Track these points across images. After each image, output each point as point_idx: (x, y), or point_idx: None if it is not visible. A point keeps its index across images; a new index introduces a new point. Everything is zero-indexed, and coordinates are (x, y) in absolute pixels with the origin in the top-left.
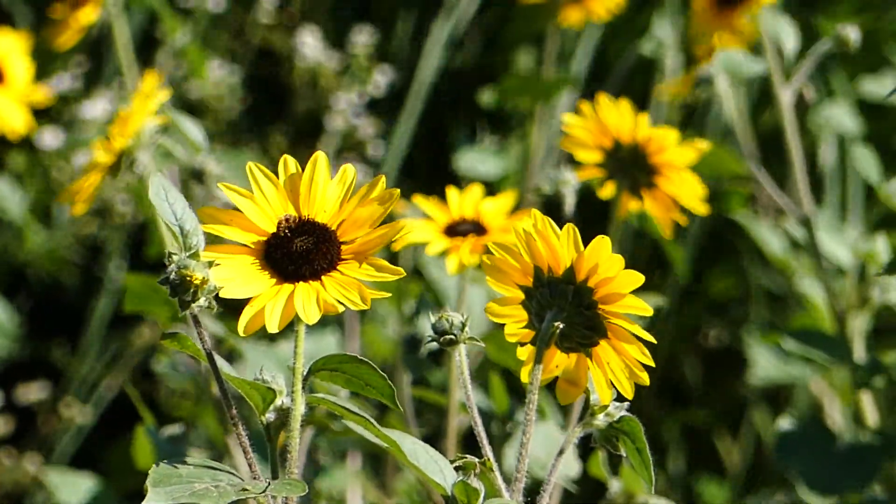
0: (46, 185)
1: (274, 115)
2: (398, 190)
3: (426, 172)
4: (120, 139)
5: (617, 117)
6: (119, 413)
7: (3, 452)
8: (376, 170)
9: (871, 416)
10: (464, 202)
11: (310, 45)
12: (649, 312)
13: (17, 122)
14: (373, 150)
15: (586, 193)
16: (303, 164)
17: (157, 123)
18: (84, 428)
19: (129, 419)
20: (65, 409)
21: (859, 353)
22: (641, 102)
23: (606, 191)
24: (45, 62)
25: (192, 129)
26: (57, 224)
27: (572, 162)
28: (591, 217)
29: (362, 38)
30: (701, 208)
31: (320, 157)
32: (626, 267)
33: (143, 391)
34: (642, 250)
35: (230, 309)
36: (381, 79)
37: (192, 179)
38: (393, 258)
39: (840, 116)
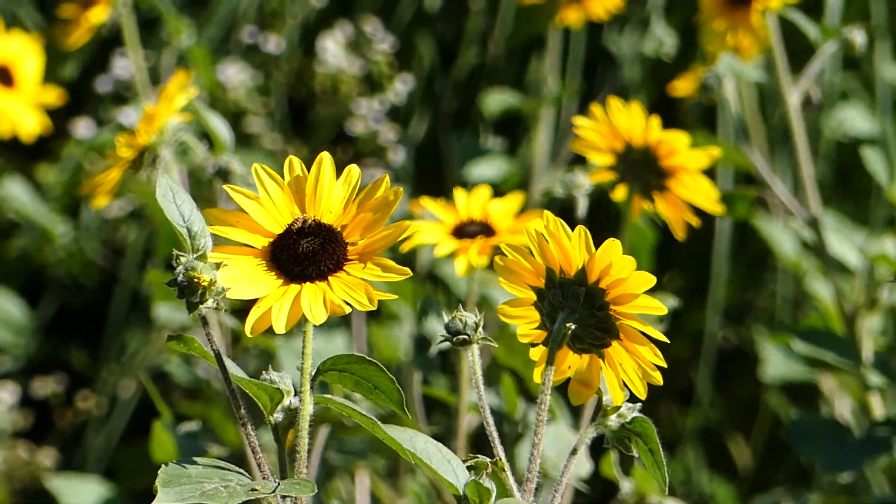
0: (74, 187)
1: (295, 121)
2: (401, 189)
3: (432, 175)
4: (143, 135)
5: (628, 120)
6: (134, 413)
7: (20, 446)
8: (396, 175)
9: (879, 412)
10: (471, 203)
11: (331, 50)
12: (664, 311)
13: (30, 125)
14: (393, 156)
15: (597, 196)
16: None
17: (181, 121)
18: (100, 427)
19: (143, 419)
20: (81, 402)
21: (868, 353)
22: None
23: (618, 193)
24: (54, 61)
25: (220, 127)
26: (84, 226)
27: (576, 163)
28: (602, 219)
29: (383, 46)
30: (715, 209)
31: (325, 158)
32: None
33: (160, 390)
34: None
35: (249, 304)
36: (401, 87)
37: (216, 178)
38: (410, 259)
39: (854, 118)
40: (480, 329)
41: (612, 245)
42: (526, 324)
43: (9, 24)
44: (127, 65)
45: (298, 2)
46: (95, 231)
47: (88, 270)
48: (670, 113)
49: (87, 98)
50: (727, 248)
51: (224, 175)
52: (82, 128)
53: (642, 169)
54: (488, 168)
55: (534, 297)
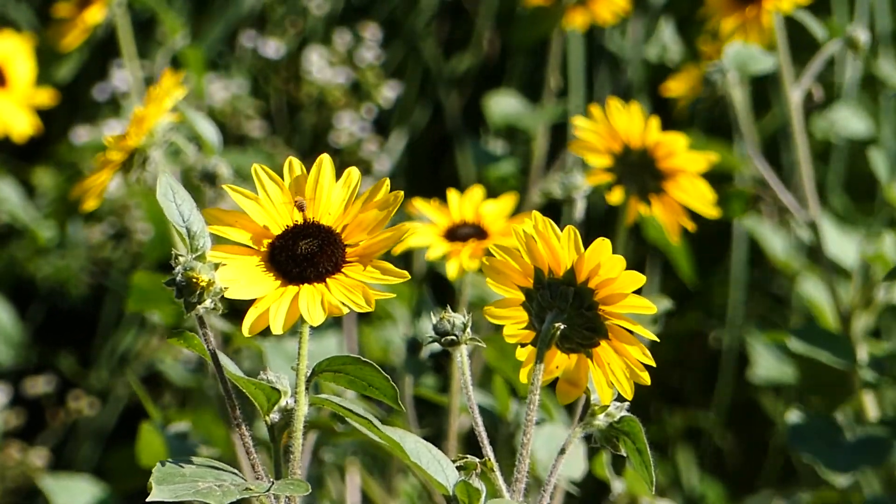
0: (69, 191)
1: (282, 131)
2: (402, 192)
3: (430, 177)
4: (133, 137)
5: (627, 121)
6: (126, 414)
7: (12, 446)
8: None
9: (873, 413)
10: (464, 205)
11: (316, 64)
12: (653, 310)
13: (21, 125)
14: (378, 166)
15: (594, 197)
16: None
17: (170, 123)
18: (92, 427)
19: (135, 419)
20: (73, 402)
21: (862, 353)
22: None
23: (615, 195)
24: (49, 62)
25: (207, 129)
26: (72, 242)
27: (576, 166)
28: (597, 221)
29: (370, 54)
30: (711, 212)
31: (325, 160)
32: (630, 268)
33: (151, 393)
34: (645, 253)
35: (237, 308)
36: (389, 94)
37: (203, 181)
38: (407, 260)
39: (847, 118)
40: (468, 330)
41: (602, 245)
42: (514, 324)
43: (2, 25)
44: (125, 76)
45: (301, 10)
46: (83, 246)
47: (75, 282)
48: (668, 116)
49: (84, 100)
50: (745, 253)
51: (211, 178)
52: (82, 133)
53: (640, 171)
54: (501, 170)
55: (522, 297)
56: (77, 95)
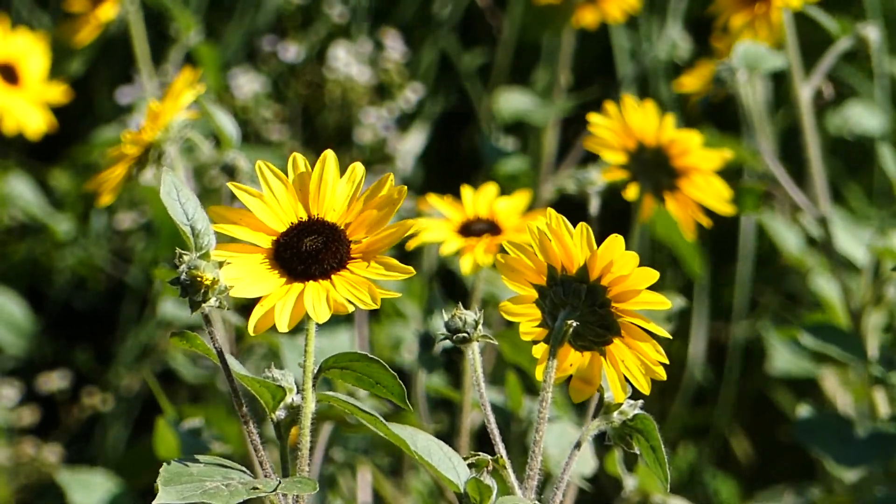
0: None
1: (301, 135)
2: (406, 187)
3: (452, 174)
4: (149, 132)
5: (641, 119)
6: (140, 410)
7: (26, 442)
8: (404, 183)
9: (884, 410)
10: (478, 201)
11: (342, 59)
12: (667, 305)
13: (35, 123)
14: (401, 164)
15: (608, 194)
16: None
17: (187, 118)
18: (107, 423)
19: (149, 416)
20: (87, 398)
21: (874, 349)
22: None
23: (630, 192)
24: (59, 58)
25: (227, 123)
26: (93, 233)
27: (584, 163)
28: (610, 218)
29: (394, 54)
30: (725, 209)
31: (329, 156)
32: (642, 265)
33: (166, 390)
34: (658, 248)
35: (254, 302)
36: (411, 95)
37: (223, 174)
38: (418, 256)
39: (860, 115)
40: (480, 327)
41: (614, 242)
42: (528, 321)
43: (14, 22)
44: (144, 79)
45: (320, 16)
46: (105, 239)
47: (95, 275)
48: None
49: (98, 99)
50: (752, 248)
51: (230, 172)
52: (99, 132)
53: (654, 168)
54: (511, 167)
55: (536, 294)
56: (91, 95)
